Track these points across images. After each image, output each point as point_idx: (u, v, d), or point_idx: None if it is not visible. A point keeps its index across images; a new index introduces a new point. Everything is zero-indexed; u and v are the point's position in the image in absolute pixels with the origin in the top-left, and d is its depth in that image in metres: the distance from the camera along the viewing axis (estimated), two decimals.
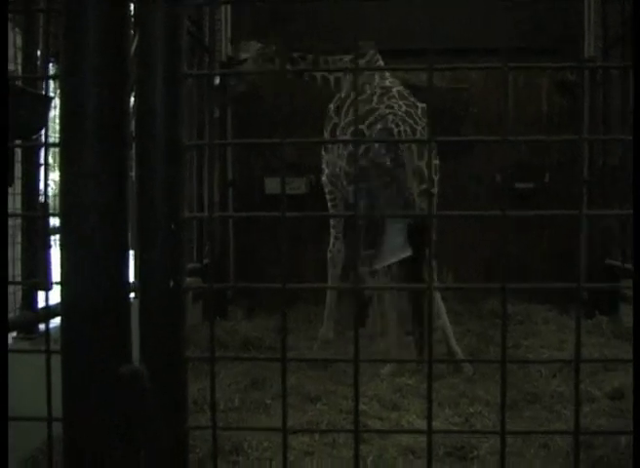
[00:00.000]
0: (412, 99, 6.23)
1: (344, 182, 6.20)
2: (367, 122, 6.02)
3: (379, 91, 6.23)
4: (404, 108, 6.12)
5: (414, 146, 5.93)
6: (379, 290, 7.21)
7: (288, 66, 6.95)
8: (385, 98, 6.12)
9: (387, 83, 6.38)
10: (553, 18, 8.96)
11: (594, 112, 8.31)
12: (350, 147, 6.07)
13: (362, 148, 5.71)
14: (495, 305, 7.70)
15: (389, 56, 7.01)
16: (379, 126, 5.95)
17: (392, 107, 6.05)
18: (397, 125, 6.03)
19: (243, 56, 7.44)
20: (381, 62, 6.82)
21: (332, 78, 7.04)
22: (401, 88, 6.34)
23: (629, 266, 7.37)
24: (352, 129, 6.16)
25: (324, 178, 6.93)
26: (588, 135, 8.29)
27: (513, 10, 8.54)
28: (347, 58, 6.94)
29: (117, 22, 1.37)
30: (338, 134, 6.23)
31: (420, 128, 6.09)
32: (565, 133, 8.22)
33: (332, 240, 6.95)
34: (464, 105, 8.75)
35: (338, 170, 6.27)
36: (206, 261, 7.96)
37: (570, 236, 8.21)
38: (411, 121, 6.08)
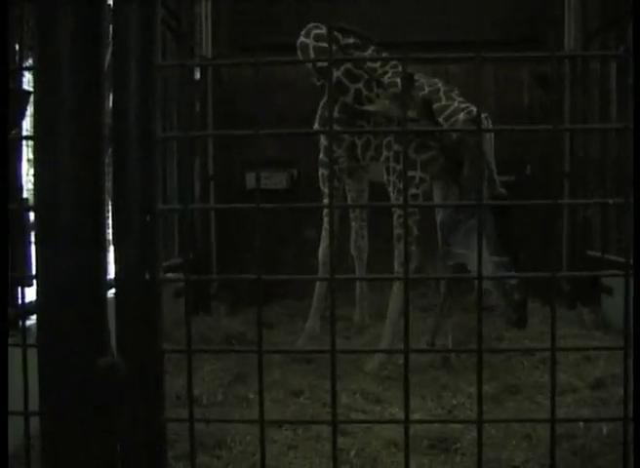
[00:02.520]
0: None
1: (401, 167, 6.04)
2: (444, 115, 6.04)
3: (442, 88, 6.29)
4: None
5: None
6: (352, 279, 7.24)
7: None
8: (455, 95, 6.18)
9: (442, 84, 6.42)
10: (533, 10, 9.00)
11: (574, 105, 8.35)
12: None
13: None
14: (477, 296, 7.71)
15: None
16: (461, 116, 5.96)
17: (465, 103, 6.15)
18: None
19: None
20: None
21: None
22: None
23: (609, 257, 7.41)
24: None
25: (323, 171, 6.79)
26: (570, 126, 8.33)
27: (493, 3, 8.57)
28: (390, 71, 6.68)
29: (91, 15, 1.36)
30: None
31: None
32: (545, 124, 8.25)
33: (326, 236, 6.85)
34: None
35: (388, 155, 6.09)
36: (187, 256, 7.93)
37: (551, 228, 8.25)
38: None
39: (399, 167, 6.04)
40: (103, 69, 1.37)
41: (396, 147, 6.04)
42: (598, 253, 7.71)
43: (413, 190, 6.03)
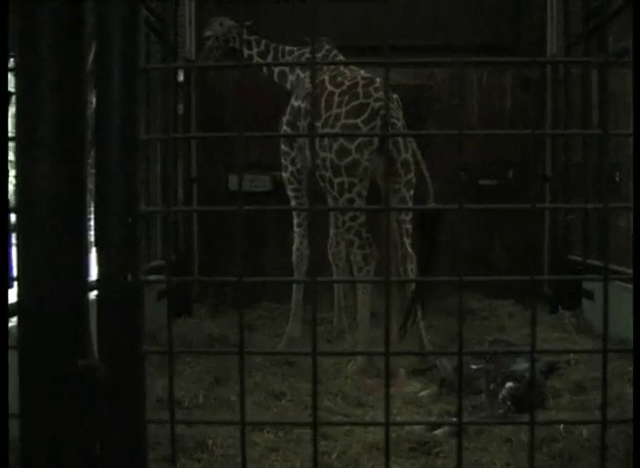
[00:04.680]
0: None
1: (330, 174, 6.04)
2: (362, 117, 6.00)
3: (361, 82, 6.19)
4: (395, 103, 6.17)
5: (400, 139, 6.02)
6: (342, 282, 7.26)
7: (245, 49, 6.97)
8: (372, 90, 6.08)
9: (363, 73, 6.33)
10: (516, 16, 9.06)
11: (556, 109, 8.40)
12: (341, 140, 5.99)
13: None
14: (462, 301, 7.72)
15: (351, 53, 7.04)
16: (378, 122, 5.94)
17: (382, 100, 6.00)
18: (398, 119, 6.10)
19: (207, 33, 7.36)
20: (341, 57, 6.84)
21: (288, 71, 7.06)
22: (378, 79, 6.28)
23: (591, 262, 7.45)
24: (341, 122, 6.00)
25: (286, 175, 6.92)
26: (550, 131, 8.39)
27: (476, 8, 8.62)
28: (302, 50, 6.94)
29: (73, 17, 1.36)
30: (319, 127, 6.08)
31: (400, 123, 6.14)
32: (528, 130, 8.28)
33: (297, 239, 6.94)
34: (428, 103, 8.80)
35: (318, 162, 6.08)
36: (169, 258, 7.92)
37: (533, 232, 8.30)
38: (398, 114, 6.15)
39: (328, 174, 6.05)
40: (86, 71, 1.37)
41: (322, 154, 6.04)
42: (579, 258, 7.76)
43: (347, 195, 6.02)
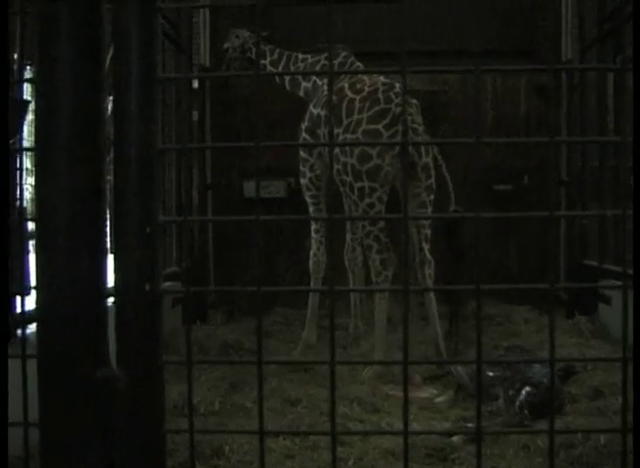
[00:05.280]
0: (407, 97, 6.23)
1: (351, 179, 6.07)
2: (384, 122, 6.02)
3: (381, 87, 6.21)
4: (415, 108, 6.20)
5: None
6: (359, 291, 7.25)
7: (261, 59, 7.03)
8: (393, 95, 6.10)
9: (382, 79, 6.34)
10: (531, 20, 9.03)
11: (572, 114, 8.38)
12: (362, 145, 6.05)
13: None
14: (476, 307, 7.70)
15: (367, 58, 7.04)
16: (399, 127, 5.95)
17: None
18: (420, 124, 6.12)
19: (225, 45, 7.48)
20: (359, 64, 6.85)
21: (301, 80, 7.10)
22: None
23: (607, 267, 7.42)
24: (363, 128, 6.03)
25: (305, 182, 6.93)
26: (566, 137, 8.35)
27: (491, 12, 8.60)
28: (317, 57, 6.97)
29: (92, 26, 1.37)
30: (340, 133, 6.12)
31: (421, 128, 6.18)
32: (543, 135, 8.27)
33: (314, 245, 6.95)
34: (443, 108, 8.80)
35: (338, 168, 6.10)
36: (185, 265, 7.94)
37: (548, 237, 8.26)
38: (418, 119, 6.18)
39: (349, 179, 6.07)
40: (104, 80, 1.37)
41: (343, 159, 6.06)
42: (595, 263, 7.72)
43: (367, 200, 6.03)
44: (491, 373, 5.00)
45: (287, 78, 7.13)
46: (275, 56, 7.12)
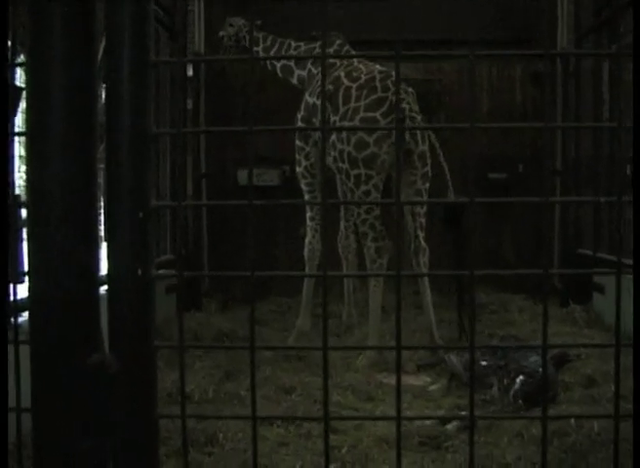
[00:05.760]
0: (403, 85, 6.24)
1: (347, 166, 6.07)
2: (381, 110, 6.02)
3: (378, 75, 6.21)
4: (411, 97, 6.20)
5: (418, 131, 6.07)
6: (353, 276, 7.26)
7: (255, 47, 7.03)
8: (390, 84, 6.09)
9: (379, 67, 6.35)
10: (526, 9, 9.02)
11: (567, 102, 8.38)
12: (359, 133, 6.03)
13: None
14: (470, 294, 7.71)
15: (362, 47, 7.03)
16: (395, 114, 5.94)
17: (401, 94, 5.99)
18: (418, 113, 6.12)
19: (220, 33, 7.50)
20: (353, 52, 6.85)
21: (293, 66, 7.10)
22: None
23: (601, 255, 7.43)
24: (361, 116, 6.03)
25: (300, 170, 6.92)
26: (562, 124, 8.36)
27: (487, 1, 8.59)
28: (311, 45, 6.97)
29: (84, 13, 1.36)
30: (337, 121, 6.12)
31: (419, 117, 6.19)
32: (538, 123, 8.26)
33: (310, 232, 6.94)
34: (438, 96, 8.79)
35: (335, 155, 6.10)
36: (178, 253, 7.94)
37: (543, 226, 8.29)
38: (415, 107, 6.18)
39: (345, 166, 6.07)
40: (96, 65, 1.36)
41: (340, 146, 6.06)
42: (590, 252, 7.73)
43: (363, 187, 6.04)
44: (484, 363, 5.01)
45: (278, 65, 7.13)
46: (268, 42, 7.12)
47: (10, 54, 3.71)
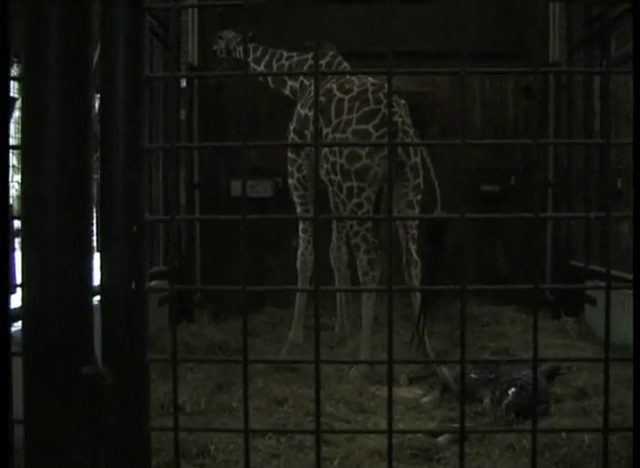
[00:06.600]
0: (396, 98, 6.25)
1: (339, 178, 6.10)
2: (373, 123, 6.03)
3: (370, 88, 6.22)
4: (403, 109, 6.21)
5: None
6: (345, 291, 7.26)
7: (249, 58, 7.07)
8: (382, 96, 6.11)
9: (371, 79, 6.36)
10: (518, 21, 9.06)
11: (559, 115, 8.41)
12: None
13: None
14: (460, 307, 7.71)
15: (355, 58, 7.06)
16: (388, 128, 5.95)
17: (393, 107, 6.00)
18: (410, 126, 6.14)
19: (214, 47, 7.54)
20: (346, 64, 6.87)
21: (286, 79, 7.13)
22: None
23: (593, 268, 7.45)
24: (353, 128, 6.04)
25: (293, 182, 6.93)
26: (553, 138, 8.39)
27: (479, 14, 8.62)
28: (304, 56, 6.98)
29: (80, 25, 1.36)
30: (329, 133, 6.13)
31: (412, 130, 6.20)
32: (531, 137, 8.29)
33: (302, 244, 6.94)
34: (430, 108, 8.82)
35: (327, 167, 6.10)
36: (171, 264, 7.93)
37: (535, 238, 8.30)
38: (407, 120, 6.19)
39: (337, 178, 6.09)
40: (91, 78, 1.37)
41: (332, 158, 6.08)
42: (582, 264, 7.75)
43: (355, 200, 6.05)
44: (474, 376, 5.01)
45: (270, 76, 7.16)
46: (258, 53, 7.14)
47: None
